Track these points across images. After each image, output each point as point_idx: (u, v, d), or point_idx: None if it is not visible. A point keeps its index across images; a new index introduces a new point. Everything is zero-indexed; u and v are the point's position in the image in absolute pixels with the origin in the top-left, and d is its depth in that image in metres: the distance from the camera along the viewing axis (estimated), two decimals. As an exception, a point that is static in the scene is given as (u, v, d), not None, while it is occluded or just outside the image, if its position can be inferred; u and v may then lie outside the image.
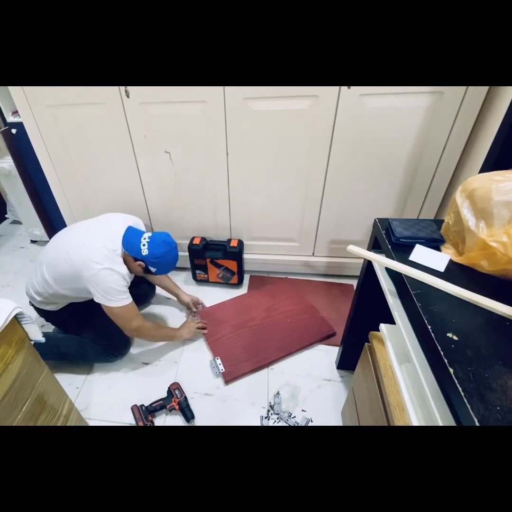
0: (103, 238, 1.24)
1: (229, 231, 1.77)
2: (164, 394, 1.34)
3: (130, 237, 1.28)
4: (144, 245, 1.26)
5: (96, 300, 1.23)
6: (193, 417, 1.26)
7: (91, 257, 1.18)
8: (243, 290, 1.84)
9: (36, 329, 0.88)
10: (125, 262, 1.27)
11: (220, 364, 1.43)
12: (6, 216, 2.46)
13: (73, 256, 1.20)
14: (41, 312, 1.39)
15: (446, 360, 0.56)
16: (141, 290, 1.65)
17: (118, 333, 1.43)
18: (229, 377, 1.39)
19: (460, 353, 0.57)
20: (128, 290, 1.29)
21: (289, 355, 1.47)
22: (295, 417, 1.26)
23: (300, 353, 1.49)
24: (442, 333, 0.61)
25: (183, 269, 1.94)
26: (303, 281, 1.87)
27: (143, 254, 1.25)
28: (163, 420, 1.29)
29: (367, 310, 1.12)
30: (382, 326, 0.86)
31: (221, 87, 1.32)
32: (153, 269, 1.30)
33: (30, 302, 1.38)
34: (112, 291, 1.21)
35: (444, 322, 0.64)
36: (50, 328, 1.53)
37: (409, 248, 0.84)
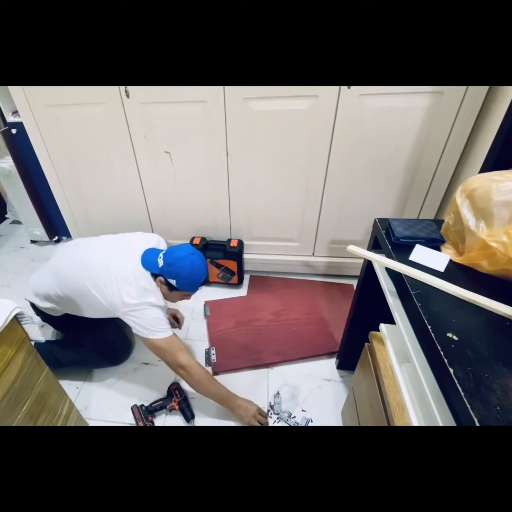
0: (132, 266, 1.17)
1: (229, 231, 1.77)
2: (164, 394, 1.34)
3: (149, 254, 1.21)
4: (160, 257, 1.18)
5: (135, 332, 1.16)
6: (193, 417, 1.26)
7: (127, 291, 1.12)
8: (243, 290, 1.84)
9: (36, 329, 0.88)
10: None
11: (214, 354, 1.47)
12: (6, 216, 2.46)
13: (105, 290, 1.14)
14: (39, 312, 1.38)
15: (446, 360, 0.56)
16: None
17: (119, 340, 1.42)
18: (218, 369, 1.42)
19: (460, 353, 0.57)
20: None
21: (285, 362, 1.46)
22: (295, 417, 1.26)
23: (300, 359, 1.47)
24: (442, 333, 0.61)
25: (183, 269, 1.94)
26: (303, 281, 1.86)
27: (160, 266, 1.16)
28: (163, 420, 1.29)
29: (367, 310, 1.12)
30: (382, 326, 0.86)
31: (221, 87, 1.32)
32: (172, 281, 1.15)
33: (30, 302, 1.36)
34: (153, 322, 1.14)
35: (444, 322, 0.64)
36: (49, 329, 1.53)
37: (409, 248, 0.84)
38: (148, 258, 1.20)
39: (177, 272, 1.15)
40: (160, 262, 1.17)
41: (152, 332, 1.14)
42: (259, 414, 1.22)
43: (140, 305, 1.13)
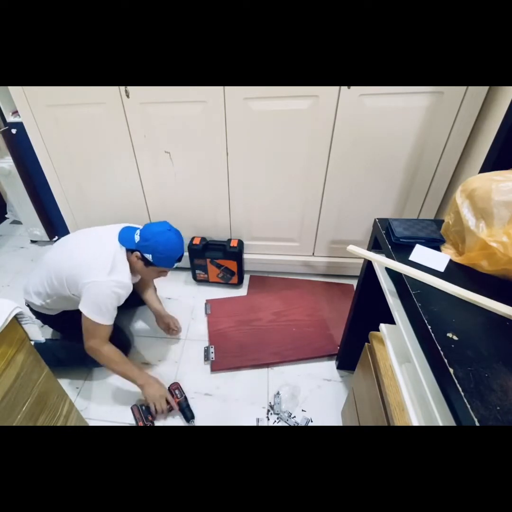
0: (109, 243, 1.23)
1: (229, 231, 1.77)
2: (164, 394, 1.34)
3: (126, 232, 1.27)
4: (137, 233, 1.23)
5: (81, 303, 1.17)
6: (193, 417, 1.26)
7: (98, 265, 1.17)
8: (243, 290, 1.84)
9: (36, 329, 0.88)
10: (130, 262, 1.25)
11: (212, 352, 1.49)
12: (6, 216, 2.46)
13: (79, 260, 1.19)
14: (39, 315, 1.37)
15: (446, 360, 0.56)
16: (136, 297, 1.61)
17: (118, 337, 1.42)
18: (216, 367, 1.44)
19: (460, 353, 0.57)
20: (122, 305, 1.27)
21: (283, 363, 1.46)
22: (295, 417, 1.26)
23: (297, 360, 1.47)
24: (442, 333, 0.61)
25: (183, 269, 1.94)
26: (303, 281, 1.87)
27: (136, 241, 1.21)
28: (163, 420, 1.29)
29: (367, 310, 1.12)
30: (382, 326, 0.86)
31: (221, 87, 1.32)
32: (148, 256, 1.19)
33: (27, 305, 1.36)
34: (100, 301, 1.16)
35: (444, 322, 0.64)
36: (48, 329, 1.53)
37: (409, 248, 0.84)
38: (125, 235, 1.25)
39: (153, 247, 1.18)
40: (137, 238, 1.21)
41: (91, 311, 1.16)
42: (164, 399, 1.26)
43: (101, 282, 1.15)
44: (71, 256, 1.22)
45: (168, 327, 1.54)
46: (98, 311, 1.17)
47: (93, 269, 1.16)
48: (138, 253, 1.22)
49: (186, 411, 1.26)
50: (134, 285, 1.45)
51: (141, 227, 1.28)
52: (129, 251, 1.24)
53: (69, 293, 1.22)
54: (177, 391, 1.32)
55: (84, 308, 1.16)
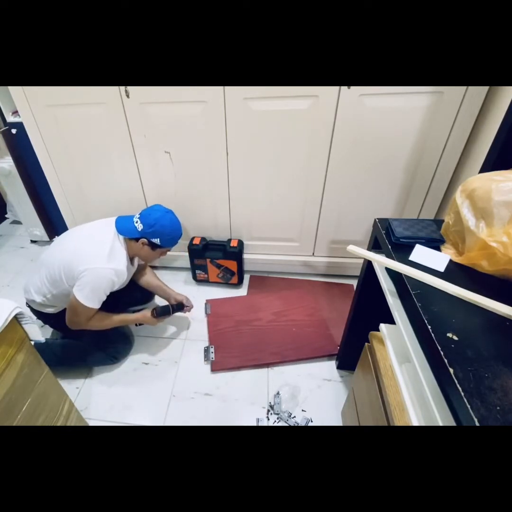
0: (109, 234, 1.26)
1: (229, 231, 1.77)
2: (163, 394, 1.34)
3: (123, 222, 1.29)
4: (137, 222, 1.27)
5: (74, 290, 1.19)
6: (179, 308, 1.49)
7: (97, 253, 1.20)
8: (243, 290, 1.84)
9: (36, 329, 0.88)
10: (131, 249, 1.29)
11: (212, 352, 1.49)
12: (6, 216, 2.46)
13: (78, 259, 1.20)
14: (40, 315, 1.38)
15: (446, 360, 0.56)
16: (139, 295, 1.62)
17: (119, 335, 1.42)
18: (216, 367, 1.44)
19: (460, 353, 0.57)
20: (121, 294, 1.31)
21: (283, 363, 1.46)
22: (295, 417, 1.26)
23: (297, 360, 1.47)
24: (442, 333, 0.61)
25: (183, 269, 1.94)
26: (303, 281, 1.86)
27: (139, 230, 1.26)
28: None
29: (367, 310, 1.12)
30: (382, 326, 0.86)
31: (221, 87, 1.32)
32: (156, 240, 1.27)
33: (27, 304, 1.37)
34: (93, 287, 1.19)
35: (444, 322, 0.64)
36: (48, 329, 1.53)
37: (409, 248, 0.84)
38: (124, 226, 1.28)
39: (160, 231, 1.26)
40: (139, 226, 1.26)
41: (85, 297, 1.19)
42: (153, 316, 1.41)
43: (100, 268, 1.19)
44: (68, 249, 1.24)
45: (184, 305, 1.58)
46: (92, 296, 1.20)
47: (91, 257, 1.19)
48: (144, 240, 1.27)
49: (176, 311, 1.47)
50: (134, 275, 1.49)
51: (135, 215, 1.30)
52: (134, 240, 1.29)
53: (67, 286, 1.23)
54: (158, 310, 1.43)
55: (79, 293, 1.19)
